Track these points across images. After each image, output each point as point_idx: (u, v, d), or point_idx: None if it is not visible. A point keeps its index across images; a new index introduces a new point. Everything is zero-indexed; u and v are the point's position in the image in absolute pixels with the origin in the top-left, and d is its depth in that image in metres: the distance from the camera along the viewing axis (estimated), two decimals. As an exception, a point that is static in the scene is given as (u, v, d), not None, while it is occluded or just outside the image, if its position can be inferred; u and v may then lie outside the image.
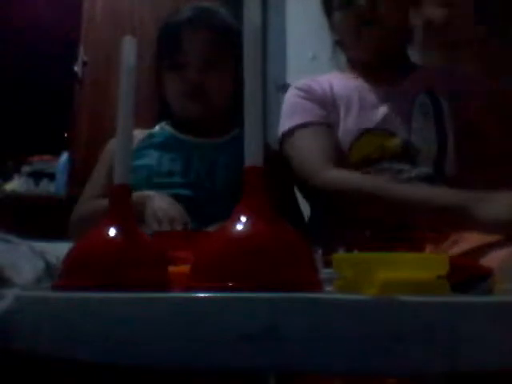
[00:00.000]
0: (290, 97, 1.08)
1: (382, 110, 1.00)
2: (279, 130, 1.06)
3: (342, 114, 1.01)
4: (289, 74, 2.37)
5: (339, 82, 1.07)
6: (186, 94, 1.01)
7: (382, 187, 0.87)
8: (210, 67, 1.01)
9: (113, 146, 1.06)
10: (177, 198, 0.92)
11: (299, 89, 1.07)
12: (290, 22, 2.43)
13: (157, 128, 1.09)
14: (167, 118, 1.10)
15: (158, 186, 0.95)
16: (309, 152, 0.97)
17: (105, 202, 0.95)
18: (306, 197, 1.05)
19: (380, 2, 0.99)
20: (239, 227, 0.38)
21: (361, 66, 1.08)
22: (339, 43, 1.12)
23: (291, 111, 1.06)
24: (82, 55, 2.39)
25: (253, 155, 0.40)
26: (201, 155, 1.00)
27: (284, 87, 2.34)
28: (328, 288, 0.39)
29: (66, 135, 2.55)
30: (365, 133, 0.97)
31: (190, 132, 1.05)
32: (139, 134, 1.06)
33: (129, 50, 0.49)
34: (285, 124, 1.04)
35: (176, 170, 0.98)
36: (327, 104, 1.03)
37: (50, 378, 0.47)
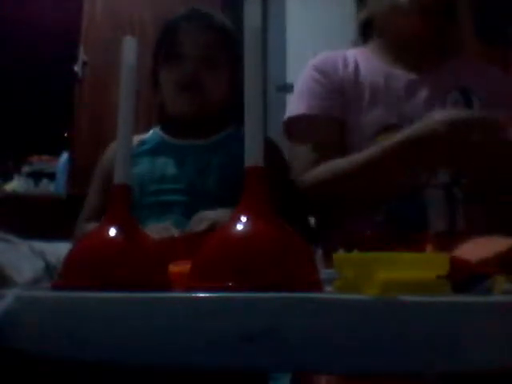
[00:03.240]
0: (305, 76, 0.99)
1: (410, 104, 0.92)
2: (287, 111, 1.00)
3: (365, 103, 0.93)
4: (289, 74, 2.37)
5: (366, 63, 0.98)
6: (182, 85, 1.01)
7: (345, 162, 0.87)
8: (206, 62, 1.01)
9: (108, 156, 1.05)
10: (168, 205, 0.93)
11: (317, 69, 0.98)
12: (290, 22, 2.44)
13: (149, 134, 1.09)
14: (163, 121, 1.10)
15: (151, 194, 0.95)
16: (301, 154, 0.95)
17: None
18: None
19: None
20: (239, 227, 0.38)
21: (392, 46, 0.99)
22: (371, 21, 1.02)
23: (301, 95, 0.99)
24: (81, 55, 2.39)
25: (253, 155, 0.40)
26: (193, 158, 1.00)
27: (284, 87, 2.34)
28: (328, 288, 0.39)
29: (66, 135, 2.56)
30: (389, 128, 0.89)
31: (182, 134, 1.04)
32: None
33: (129, 50, 0.49)
34: (292, 107, 0.99)
35: (168, 175, 0.97)
36: (349, 89, 0.95)
37: (49, 378, 0.47)
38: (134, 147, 1.00)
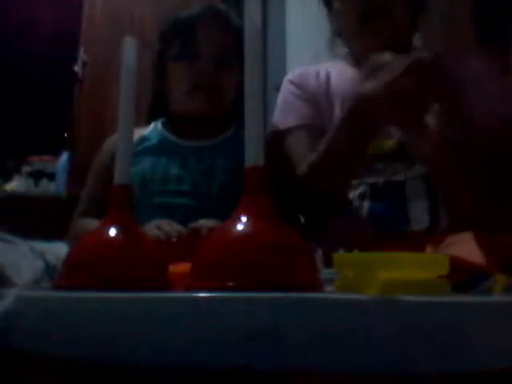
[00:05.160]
0: (284, 91, 1.07)
1: None
2: (271, 125, 1.05)
3: (336, 112, 0.97)
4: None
5: (338, 74, 1.03)
6: (197, 84, 0.99)
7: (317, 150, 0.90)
8: (222, 63, 1.00)
9: (106, 149, 1.04)
10: (172, 206, 0.92)
11: (293, 83, 1.05)
12: (290, 22, 2.43)
13: (150, 129, 1.06)
14: (161, 116, 1.09)
15: (153, 194, 0.94)
16: (294, 157, 0.97)
17: (91, 225, 0.96)
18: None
19: None
20: (239, 227, 0.38)
21: (359, 60, 1.02)
22: (339, 34, 1.06)
23: (282, 109, 1.05)
24: (82, 55, 2.39)
25: (253, 155, 0.40)
26: (196, 159, 0.98)
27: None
28: (328, 288, 0.39)
29: (66, 135, 2.55)
30: None
31: (185, 134, 1.03)
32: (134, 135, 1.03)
33: (129, 49, 0.49)
34: (276, 121, 1.04)
35: (171, 176, 0.96)
36: (320, 100, 1.00)
37: (50, 378, 0.47)
38: (135, 143, 1.00)
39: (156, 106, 1.09)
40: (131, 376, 0.51)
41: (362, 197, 0.91)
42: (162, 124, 1.07)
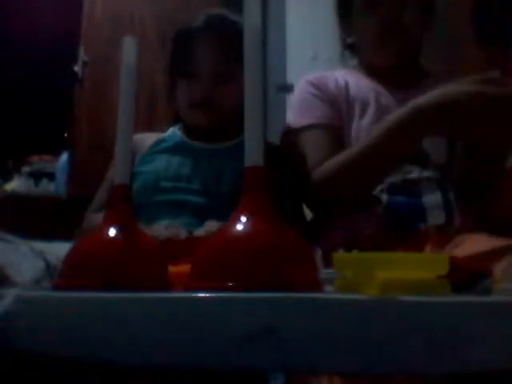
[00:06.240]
0: (302, 91, 1.07)
1: None
2: (286, 123, 1.06)
3: (356, 114, 1.00)
4: (289, 74, 2.37)
5: (354, 80, 1.05)
6: (195, 103, 1.01)
7: (351, 150, 0.91)
8: (222, 77, 1.01)
9: None
10: (182, 204, 0.94)
11: (312, 84, 1.05)
12: (290, 22, 2.44)
13: (168, 132, 1.10)
14: (180, 121, 1.11)
15: (165, 191, 0.96)
16: (310, 156, 0.97)
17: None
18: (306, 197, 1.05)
19: (405, 9, 0.98)
20: (239, 227, 0.38)
21: (376, 70, 1.06)
22: (353, 45, 1.10)
23: (299, 108, 1.05)
24: (82, 55, 2.39)
25: (253, 155, 0.40)
26: (208, 161, 1.01)
27: (284, 87, 2.34)
28: (328, 288, 0.39)
29: (66, 135, 2.55)
30: None
31: (200, 137, 1.06)
32: (150, 138, 1.07)
33: (129, 50, 0.49)
34: (292, 120, 1.04)
35: (183, 175, 0.99)
36: (340, 102, 1.02)
37: (50, 378, 0.47)
38: (152, 145, 1.05)
39: (176, 113, 1.12)
40: (131, 376, 0.51)
41: (379, 191, 0.92)
42: (179, 127, 1.10)
